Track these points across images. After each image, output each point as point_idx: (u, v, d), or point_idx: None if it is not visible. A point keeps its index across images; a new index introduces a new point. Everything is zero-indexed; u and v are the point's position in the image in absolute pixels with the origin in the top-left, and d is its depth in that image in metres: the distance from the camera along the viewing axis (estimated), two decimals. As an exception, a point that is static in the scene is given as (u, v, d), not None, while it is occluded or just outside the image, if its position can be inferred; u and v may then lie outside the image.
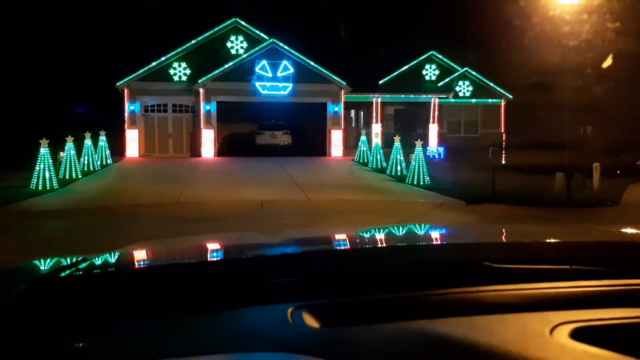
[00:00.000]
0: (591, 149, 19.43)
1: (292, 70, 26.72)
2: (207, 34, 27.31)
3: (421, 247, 1.85)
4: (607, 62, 17.82)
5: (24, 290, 1.26)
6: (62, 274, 1.35)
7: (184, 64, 27.01)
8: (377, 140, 25.92)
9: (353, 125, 33.16)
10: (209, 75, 26.18)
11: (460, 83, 31.39)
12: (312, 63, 26.84)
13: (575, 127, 26.79)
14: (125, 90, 26.53)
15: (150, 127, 27.00)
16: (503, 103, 31.73)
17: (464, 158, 22.87)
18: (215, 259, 1.75)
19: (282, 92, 26.79)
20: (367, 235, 2.14)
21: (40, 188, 13.85)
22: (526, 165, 17.31)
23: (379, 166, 20.11)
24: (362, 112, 33.01)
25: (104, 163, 21.19)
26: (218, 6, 34.34)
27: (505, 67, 27.57)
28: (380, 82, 30.87)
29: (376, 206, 12.84)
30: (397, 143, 18.15)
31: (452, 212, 11.97)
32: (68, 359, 1.05)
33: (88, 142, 19.30)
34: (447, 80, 31.35)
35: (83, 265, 1.44)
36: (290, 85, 26.74)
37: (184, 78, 27.00)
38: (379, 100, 29.99)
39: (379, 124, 29.77)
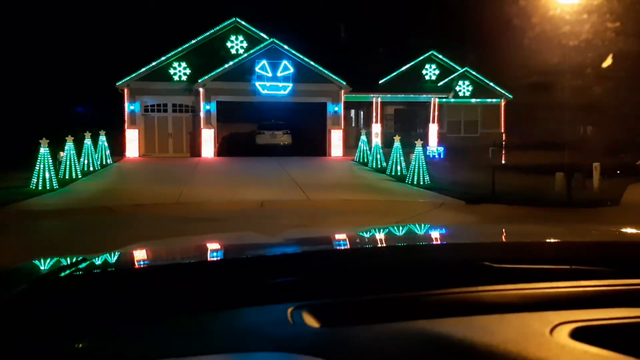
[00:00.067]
0: (591, 149, 19.44)
1: (292, 70, 26.71)
2: (207, 34, 27.31)
3: (421, 247, 1.85)
4: (607, 62, 17.83)
5: (24, 290, 1.26)
6: (62, 274, 1.35)
7: (184, 64, 27.01)
8: (377, 140, 25.92)
9: (353, 125, 33.17)
10: (209, 75, 26.18)
11: (460, 83, 31.39)
12: (312, 63, 26.84)
13: (575, 127, 26.79)
14: (125, 90, 26.53)
15: (150, 127, 27.00)
16: (503, 103, 31.74)
17: (463, 158, 22.87)
18: (215, 259, 1.75)
19: (282, 92, 26.79)
20: (367, 235, 2.14)
21: (40, 188, 13.85)
22: (526, 165, 17.31)
23: (379, 166, 20.11)
24: (362, 112, 33.01)
25: (104, 163, 21.19)
26: (218, 6, 34.36)
27: (505, 67, 27.59)
28: (380, 81, 30.87)
29: (376, 206, 12.84)
30: (397, 143, 18.15)
31: (452, 212, 11.97)
32: (68, 359, 1.05)
33: (88, 142, 19.30)
34: (447, 80, 31.36)
35: (83, 265, 1.44)
36: (290, 85, 26.74)
37: (184, 78, 27.00)
38: (379, 100, 29.99)
39: (379, 124, 29.77)
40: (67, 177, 16.24)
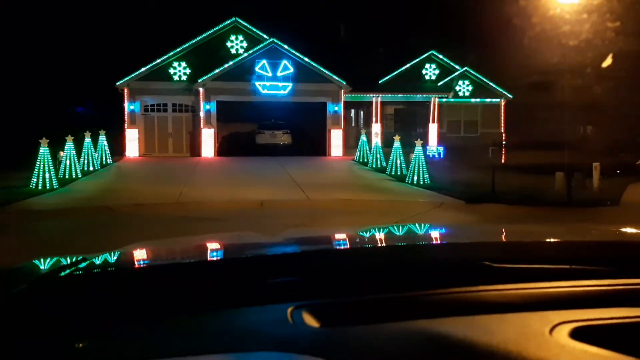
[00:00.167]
0: (591, 149, 19.45)
1: (292, 69, 26.71)
2: (207, 34, 27.31)
3: (421, 246, 1.85)
4: (607, 62, 17.83)
5: (24, 290, 1.26)
6: (62, 274, 1.35)
7: (183, 64, 27.01)
8: (377, 139, 25.91)
9: (353, 124, 33.17)
10: (209, 75, 26.18)
11: (460, 82, 31.39)
12: (312, 62, 26.84)
13: (575, 126, 26.82)
14: (125, 90, 26.53)
15: (150, 127, 26.99)
16: (503, 103, 31.74)
17: (463, 158, 22.86)
18: (215, 258, 1.75)
19: (282, 92, 26.79)
20: (366, 235, 2.14)
21: (40, 188, 13.85)
22: (526, 165, 17.31)
23: (379, 166, 20.11)
24: (362, 112, 33.01)
25: (104, 163, 21.19)
26: (218, 6, 34.35)
27: (505, 66, 27.60)
28: (380, 81, 30.87)
29: (376, 206, 12.84)
30: (397, 142, 18.15)
31: (452, 211, 11.97)
32: (68, 359, 1.05)
33: (88, 141, 19.30)
34: (447, 79, 31.35)
35: (83, 264, 1.44)
36: (290, 84, 26.74)
37: (183, 77, 26.99)
38: (379, 99, 29.98)
39: (379, 124, 29.76)
40: (67, 176, 16.24)
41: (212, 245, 1.94)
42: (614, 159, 18.17)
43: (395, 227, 2.85)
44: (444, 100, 30.80)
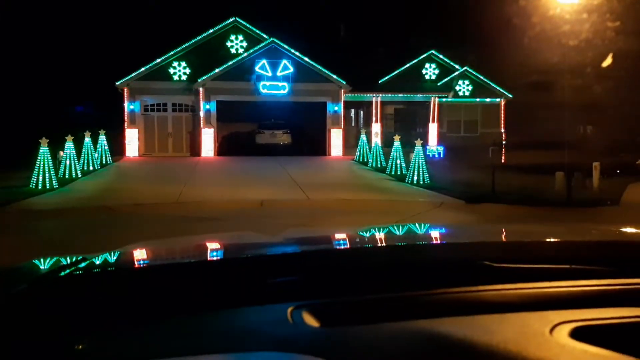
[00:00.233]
0: (591, 149, 19.45)
1: (292, 69, 26.71)
2: (207, 33, 27.31)
3: (421, 246, 1.85)
4: (607, 62, 17.83)
5: (24, 290, 1.26)
6: (62, 274, 1.35)
7: (183, 63, 27.00)
8: (376, 139, 25.92)
9: (353, 124, 33.17)
10: (209, 75, 26.18)
11: (460, 82, 31.39)
12: (312, 62, 26.84)
13: (575, 126, 26.82)
14: (125, 90, 26.53)
15: (150, 127, 27.00)
16: (503, 102, 31.74)
17: (463, 157, 22.86)
18: (215, 258, 1.75)
19: (281, 92, 26.79)
20: (366, 235, 2.14)
21: (40, 187, 13.85)
22: (526, 165, 17.31)
23: (379, 165, 20.12)
24: (361, 112, 33.01)
25: (104, 162, 21.19)
26: (218, 5, 34.34)
27: (505, 66, 27.60)
28: (380, 81, 30.87)
29: (376, 205, 12.84)
30: (396, 142, 18.15)
31: (452, 211, 11.97)
32: (68, 359, 1.05)
33: (88, 141, 19.30)
34: (447, 79, 31.35)
35: (83, 264, 1.44)
36: (290, 84, 26.74)
37: (183, 77, 26.99)
38: (379, 99, 29.98)
39: (379, 123, 29.76)
40: (67, 176, 16.24)
41: (212, 245, 1.94)
42: (614, 159, 18.18)
43: (395, 227, 2.85)
44: (444, 100, 30.80)
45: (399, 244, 2.05)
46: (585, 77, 18.84)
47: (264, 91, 26.69)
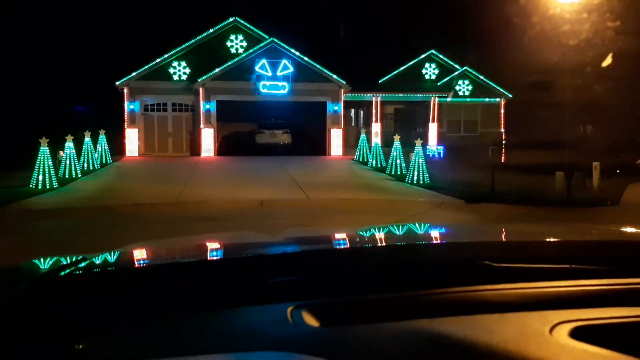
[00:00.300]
0: (591, 149, 19.44)
1: (291, 69, 26.71)
2: (206, 33, 27.31)
3: (421, 246, 1.85)
4: (607, 61, 17.83)
5: (24, 289, 1.26)
6: (62, 273, 1.35)
7: (183, 63, 27.00)
8: (376, 139, 25.92)
9: (353, 124, 33.17)
10: (209, 74, 26.18)
11: (460, 82, 31.38)
12: (311, 62, 26.83)
13: (575, 126, 26.82)
14: (125, 89, 26.53)
15: (150, 126, 27.00)
16: (503, 102, 31.74)
17: (463, 157, 22.86)
18: (215, 258, 1.75)
19: (281, 91, 26.79)
20: (366, 235, 2.14)
21: (40, 187, 13.85)
22: (526, 165, 17.31)
23: (379, 165, 20.12)
24: (361, 111, 33.01)
25: (104, 162, 21.19)
26: (218, 5, 34.35)
27: (505, 66, 27.61)
28: (380, 81, 30.87)
29: (376, 205, 12.84)
30: (396, 142, 18.15)
31: (452, 211, 11.97)
32: (68, 359, 1.05)
33: (88, 141, 19.30)
34: (446, 79, 31.35)
35: (83, 264, 1.44)
36: (290, 84, 26.74)
37: (183, 77, 27.00)
38: (379, 99, 29.98)
39: (379, 123, 29.76)
40: (67, 176, 16.24)
41: (212, 245, 1.94)
42: (614, 159, 18.18)
43: (395, 227, 2.85)
44: (444, 99, 30.80)
45: (399, 243, 2.05)
46: (585, 76, 18.84)
47: (264, 91, 26.69)
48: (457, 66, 31.45)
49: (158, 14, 36.34)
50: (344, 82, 27.10)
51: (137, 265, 1.65)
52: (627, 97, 24.70)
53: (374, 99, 29.94)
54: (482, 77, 31.25)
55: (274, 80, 26.65)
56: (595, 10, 16.07)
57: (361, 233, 2.12)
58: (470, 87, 31.39)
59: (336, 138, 27.30)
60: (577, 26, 15.57)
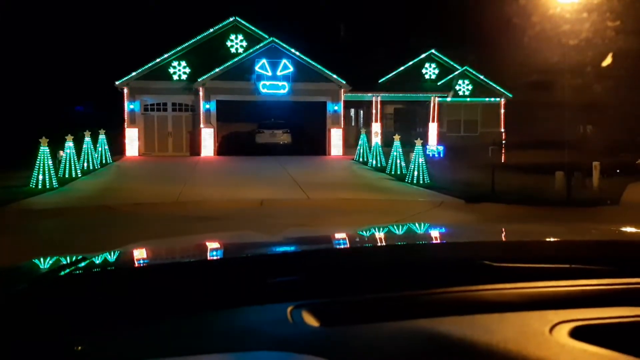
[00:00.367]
0: (591, 148, 19.44)
1: (291, 69, 26.71)
2: (206, 33, 27.31)
3: (421, 246, 1.85)
4: (607, 61, 17.83)
5: (24, 289, 1.26)
6: (62, 273, 1.35)
7: (183, 63, 27.00)
8: (376, 139, 25.91)
9: (353, 124, 33.15)
10: (209, 74, 26.18)
11: (460, 82, 31.37)
12: (311, 62, 26.83)
13: (575, 126, 26.82)
14: (125, 89, 26.52)
15: (150, 126, 27.00)
16: (503, 102, 31.72)
17: (463, 157, 22.86)
18: (215, 258, 1.75)
19: (281, 91, 26.79)
20: (366, 234, 2.14)
21: (40, 187, 13.85)
22: (526, 164, 17.31)
23: (379, 165, 20.12)
24: (361, 111, 32.99)
25: (104, 162, 21.19)
26: (218, 5, 34.33)
27: (505, 66, 27.60)
28: (380, 81, 30.86)
29: (376, 205, 12.84)
30: (396, 142, 18.15)
31: (452, 211, 11.96)
32: (68, 359, 1.05)
33: (87, 140, 19.30)
34: (446, 79, 31.34)
35: (83, 264, 1.44)
36: (290, 84, 26.74)
37: (183, 77, 27.00)
38: (379, 99, 29.98)
39: (379, 123, 29.76)
40: (66, 176, 16.24)
41: (212, 245, 1.94)
42: (613, 159, 18.18)
43: (395, 227, 2.85)
44: (444, 99, 30.80)
45: (399, 243, 2.05)
46: (585, 76, 18.84)
47: (264, 91, 26.70)
48: (457, 66, 31.43)
49: (158, 13, 36.35)
50: (344, 82, 27.10)
51: (137, 265, 1.65)
52: (627, 97, 24.69)
53: (374, 99, 29.94)
54: (482, 77, 31.23)
55: (274, 80, 26.65)
56: (595, 10, 16.07)
57: (361, 233, 2.12)
58: (470, 87, 31.38)
59: (336, 138, 27.30)
60: (577, 26, 15.57)
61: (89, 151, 19.27)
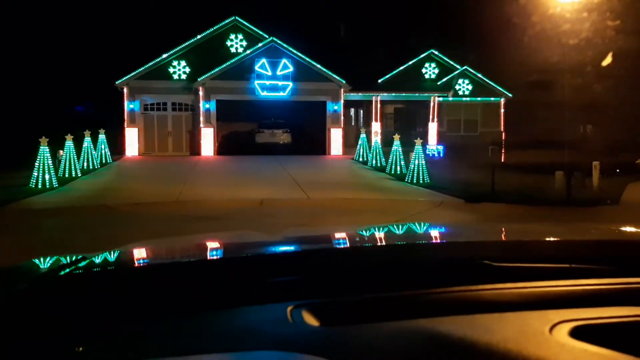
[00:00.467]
0: (591, 148, 19.44)
1: (291, 68, 26.71)
2: (206, 32, 27.31)
3: (420, 245, 1.85)
4: (607, 61, 17.82)
5: (24, 289, 1.26)
6: (62, 273, 1.35)
7: (183, 63, 27.00)
8: (376, 138, 25.89)
9: (352, 123, 33.15)
10: (209, 74, 26.18)
11: (460, 82, 31.36)
12: (311, 62, 26.83)
13: (575, 126, 26.82)
14: (125, 89, 26.52)
15: (150, 126, 27.00)
16: (503, 102, 31.71)
17: (463, 157, 22.85)
18: (215, 257, 1.75)
19: (281, 91, 26.78)
20: (366, 234, 2.14)
21: (40, 186, 13.85)
22: (526, 164, 17.31)
23: (379, 165, 20.12)
24: (361, 111, 33.00)
25: (104, 161, 21.19)
26: (218, 5, 34.30)
27: (505, 65, 27.59)
28: (380, 80, 30.86)
29: (376, 205, 12.84)
30: (396, 142, 18.15)
31: (452, 210, 11.96)
32: (68, 359, 1.05)
33: (87, 140, 19.30)
34: (446, 78, 31.33)
35: (83, 264, 1.44)
36: (290, 83, 26.74)
37: (183, 76, 26.99)
38: (379, 98, 29.98)
39: (379, 123, 29.76)
40: (66, 175, 16.25)
41: (212, 245, 1.94)
42: (613, 158, 18.18)
43: (394, 226, 2.85)
44: (444, 99, 30.79)
45: (399, 243, 2.05)
46: (585, 76, 18.85)
47: (264, 90, 26.70)
48: (457, 66, 31.42)
49: (158, 13, 36.33)
50: (344, 82, 27.10)
51: (137, 264, 1.65)
52: (627, 96, 24.70)
53: (373, 99, 29.94)
54: (482, 77, 31.22)
55: (274, 79, 26.64)
56: (596, 9, 16.07)
57: (361, 232, 2.12)
58: (470, 87, 31.37)
59: (336, 137, 27.30)
60: (577, 25, 15.57)
61: (89, 151, 19.27)
